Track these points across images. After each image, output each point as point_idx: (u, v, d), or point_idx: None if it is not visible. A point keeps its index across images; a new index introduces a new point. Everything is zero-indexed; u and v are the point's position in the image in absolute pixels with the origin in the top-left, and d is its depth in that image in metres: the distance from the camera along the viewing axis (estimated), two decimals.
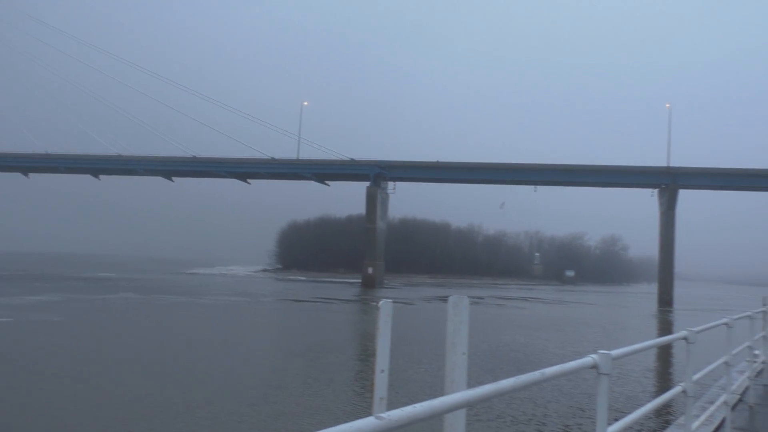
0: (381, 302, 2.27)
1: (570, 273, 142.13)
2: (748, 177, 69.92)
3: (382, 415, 1.45)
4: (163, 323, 28.51)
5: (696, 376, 4.79)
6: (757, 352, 9.13)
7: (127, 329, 25.48)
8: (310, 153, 78.03)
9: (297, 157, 77.02)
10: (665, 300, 65.74)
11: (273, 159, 77.07)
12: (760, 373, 9.48)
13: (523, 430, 11.69)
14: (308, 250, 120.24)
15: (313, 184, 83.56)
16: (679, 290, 73.58)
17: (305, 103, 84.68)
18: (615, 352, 2.94)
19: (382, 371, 2.30)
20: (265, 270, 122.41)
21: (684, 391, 4.44)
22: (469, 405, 1.88)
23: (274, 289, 64.33)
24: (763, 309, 9.88)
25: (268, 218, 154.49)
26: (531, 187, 78.40)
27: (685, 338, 4.47)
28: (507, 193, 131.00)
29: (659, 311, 55.91)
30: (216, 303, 40.50)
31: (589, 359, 2.77)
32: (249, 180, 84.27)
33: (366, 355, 20.91)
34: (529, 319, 39.37)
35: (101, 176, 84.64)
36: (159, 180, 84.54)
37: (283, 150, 78.78)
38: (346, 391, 14.90)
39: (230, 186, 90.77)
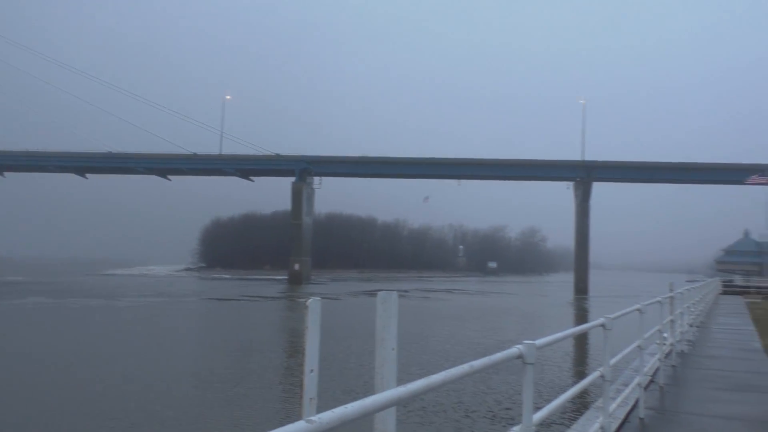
0: (309, 300, 2.22)
1: (492, 264, 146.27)
2: (656, 170, 74.14)
3: (313, 418, 1.40)
4: (77, 328, 27.09)
5: (612, 361, 5.01)
6: (665, 335, 9.70)
7: (38, 335, 24.03)
8: (233, 148, 76.30)
9: (220, 153, 75.10)
10: (581, 288, 68.82)
11: (195, 154, 74.80)
12: (668, 354, 10.09)
13: (452, 418, 11.91)
14: (233, 247, 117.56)
15: (237, 180, 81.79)
16: (594, 278, 77.14)
17: (228, 97, 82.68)
18: (539, 342, 3.01)
19: (312, 371, 2.25)
20: (187, 269, 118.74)
21: (602, 376, 4.64)
22: (402, 402, 1.86)
23: (198, 288, 62.53)
24: (670, 295, 10.49)
25: (190, 216, 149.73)
26: (455, 181, 79.93)
27: (602, 325, 4.66)
28: (432, 187, 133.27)
29: (575, 299, 58.48)
30: (134, 305, 38.89)
31: (514, 350, 2.82)
32: (169, 176, 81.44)
33: (293, 353, 20.71)
34: (454, 310, 40.20)
35: (6, 173, 79.46)
36: (72, 177, 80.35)
37: (206, 146, 76.70)
38: (273, 390, 14.68)
39: (150, 183, 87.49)
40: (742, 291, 45.51)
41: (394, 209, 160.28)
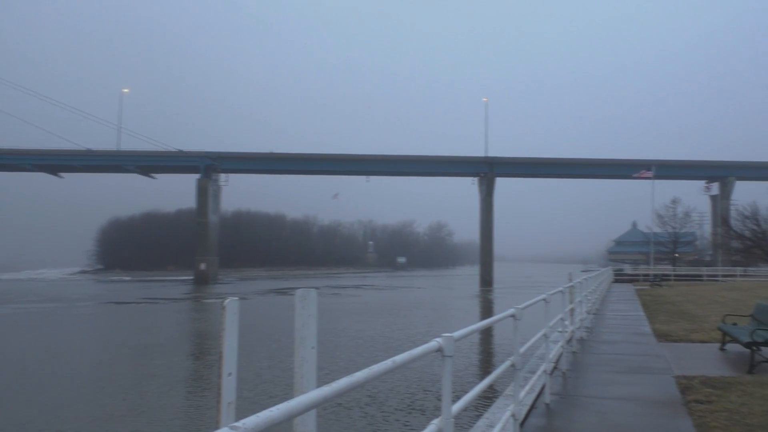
0: (227, 300, 2.11)
1: (402, 259, 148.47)
2: (553, 166, 78.02)
3: (237, 424, 1.32)
4: None
5: (521, 350, 5.19)
6: (567, 323, 10.21)
7: None
8: (133, 144, 72.75)
9: (118, 149, 71.30)
10: (486, 280, 71.26)
11: (89, 150, 70.56)
12: (569, 341, 10.63)
13: (368, 413, 11.95)
14: (134, 248, 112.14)
15: (137, 178, 78.02)
16: (499, 271, 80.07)
17: (125, 91, 78.61)
18: (457, 334, 3.06)
19: (230, 374, 2.14)
20: (83, 272, 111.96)
21: (513, 365, 4.79)
22: (327, 402, 1.81)
23: (94, 291, 59.04)
24: (570, 284, 11.05)
25: (86, 216, 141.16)
26: (363, 178, 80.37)
27: (512, 315, 4.81)
28: (341, 183, 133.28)
29: (481, 291, 60.46)
30: (20, 311, 36.17)
31: (434, 343, 2.84)
32: (61, 174, 76.42)
33: (200, 355, 20.03)
34: (364, 306, 40.41)
35: None
36: None
37: (103, 141, 72.56)
38: (179, 395, 14.12)
39: (40, 181, 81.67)
40: (632, 279, 48.82)
41: (303, 206, 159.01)
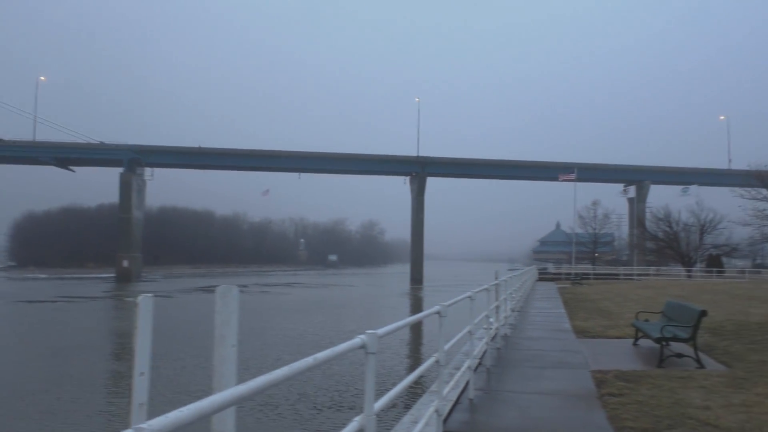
0: (140, 297, 2.03)
1: (333, 257, 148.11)
2: (482, 166, 79.87)
3: (143, 425, 1.27)
4: None
5: (446, 346, 5.27)
6: (491, 320, 10.48)
7: None
8: (51, 135, 69.00)
9: (33, 139, 67.52)
10: (417, 279, 72.18)
11: (0, 140, 66.49)
12: (494, 338, 10.91)
13: (298, 411, 11.83)
14: (50, 244, 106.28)
15: (55, 170, 74.14)
16: (429, 269, 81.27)
17: (42, 78, 74.55)
18: (381, 331, 3.06)
19: (142, 374, 2.06)
20: None
21: (437, 361, 4.86)
22: (241, 401, 1.77)
23: (3, 289, 55.66)
24: (496, 282, 11.34)
25: None
26: (295, 174, 79.61)
27: (438, 313, 4.87)
28: (272, 179, 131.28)
29: (412, 289, 61.17)
30: None
31: (357, 340, 2.83)
32: None
33: (120, 354, 19.26)
34: (293, 304, 40.06)
35: None
36: None
37: (19, 131, 68.51)
38: (95, 397, 13.54)
39: None
40: (555, 277, 50.69)
41: (233, 202, 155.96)
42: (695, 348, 9.02)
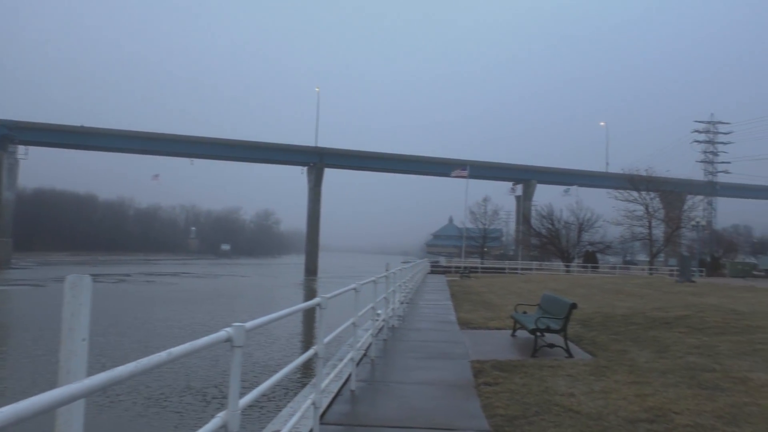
0: None
1: (226, 246, 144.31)
2: (382, 160, 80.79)
3: None
4: None
5: (327, 339, 5.24)
6: (379, 311, 10.60)
7: None
8: None
9: None
10: (311, 270, 71.86)
11: None
12: (381, 329, 11.05)
13: (166, 408, 11.38)
14: None
15: None
16: (324, 260, 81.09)
17: None
18: (249, 324, 2.97)
19: None
20: None
21: (316, 353, 4.82)
22: (76, 399, 1.63)
23: None
24: (385, 274, 11.48)
25: None
26: (188, 160, 76.60)
27: (318, 304, 4.83)
28: (163, 164, 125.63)
29: (306, 280, 60.83)
30: None
31: (223, 333, 2.73)
32: None
33: None
34: (180, 294, 38.58)
35: None
36: None
37: None
38: None
39: None
40: (445, 270, 52.27)
41: (119, 187, 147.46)
42: (565, 339, 9.61)
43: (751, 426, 5.33)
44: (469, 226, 72.59)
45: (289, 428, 4.23)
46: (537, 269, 55.99)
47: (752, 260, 64.21)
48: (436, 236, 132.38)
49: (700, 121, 77.45)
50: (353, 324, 6.97)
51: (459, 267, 53.24)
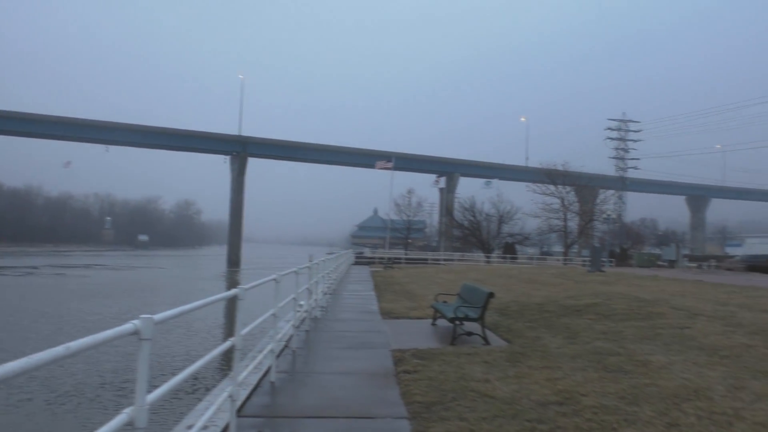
0: None
1: (144, 237, 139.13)
2: (307, 150, 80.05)
3: None
4: None
5: (245, 330, 5.16)
6: (302, 302, 10.53)
7: None
8: None
9: None
10: (234, 261, 70.47)
11: None
12: (303, 320, 10.98)
13: (80, 404, 10.89)
14: None
15: None
16: (248, 252, 79.68)
17: None
18: (158, 317, 2.88)
19: None
20: None
21: (233, 345, 4.73)
22: None
23: None
24: (308, 265, 11.41)
25: None
26: (103, 147, 73.10)
27: (235, 296, 4.73)
28: (76, 151, 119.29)
29: (228, 271, 59.56)
30: None
31: (129, 326, 2.63)
32: None
33: None
34: (95, 287, 36.87)
35: None
36: None
37: None
38: None
39: None
40: (370, 261, 52.58)
41: (25, 174, 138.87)
42: (483, 327, 9.90)
43: (650, 405, 5.69)
44: (394, 217, 73.29)
45: (204, 422, 4.14)
46: (459, 260, 57.30)
47: (657, 251, 68.34)
48: (362, 227, 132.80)
49: (612, 119, 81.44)
50: (273, 315, 6.89)
51: (383, 258, 53.68)
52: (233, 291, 4.77)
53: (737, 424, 5.14)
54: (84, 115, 70.60)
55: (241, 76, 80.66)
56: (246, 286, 5.05)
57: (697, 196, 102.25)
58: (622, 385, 6.44)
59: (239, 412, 5.54)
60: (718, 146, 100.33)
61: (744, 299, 14.77)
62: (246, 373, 5.88)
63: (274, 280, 6.76)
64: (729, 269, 45.28)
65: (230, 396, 4.68)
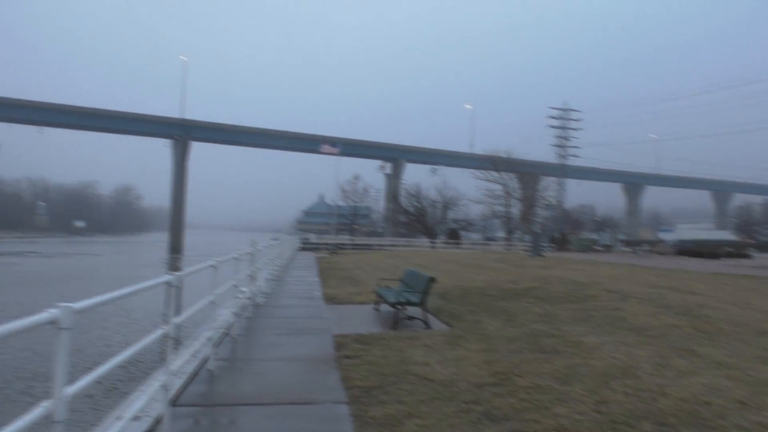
0: None
1: (80, 223, 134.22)
2: (251, 134, 78.66)
3: None
4: None
5: (180, 318, 5.04)
6: (244, 289, 10.38)
7: None
8: None
9: None
10: (176, 247, 68.85)
11: None
12: (245, 307, 10.83)
13: (30, 391, 10.43)
14: None
15: None
16: (190, 238, 77.92)
17: None
18: (79, 305, 2.76)
19: None
20: None
21: (166, 334, 4.61)
22: None
23: None
24: (250, 251, 11.25)
25: None
26: (35, 128, 69.72)
27: (167, 282, 4.61)
28: (4, 132, 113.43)
29: (169, 258, 58.14)
30: None
31: (46, 315, 2.51)
32: None
33: None
34: (27, 276, 35.34)
35: None
36: None
37: None
38: None
39: None
40: (315, 247, 52.33)
41: None
42: (425, 311, 10.02)
43: (581, 384, 5.90)
44: (340, 203, 73.10)
45: (135, 412, 4.03)
46: (404, 246, 57.73)
47: (595, 236, 70.69)
48: (307, 213, 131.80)
49: (554, 108, 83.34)
50: (212, 303, 6.76)
51: (329, 244, 53.52)
52: (166, 277, 4.64)
53: (662, 400, 5.39)
54: (15, 95, 67.03)
55: (183, 58, 78.47)
56: (181, 273, 4.92)
57: (633, 184, 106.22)
58: (556, 366, 6.64)
59: (175, 401, 5.43)
60: (654, 136, 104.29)
61: (673, 282, 15.48)
62: (181, 361, 5.76)
63: (212, 266, 6.63)
64: (661, 253, 47.33)
65: (163, 385, 4.57)
